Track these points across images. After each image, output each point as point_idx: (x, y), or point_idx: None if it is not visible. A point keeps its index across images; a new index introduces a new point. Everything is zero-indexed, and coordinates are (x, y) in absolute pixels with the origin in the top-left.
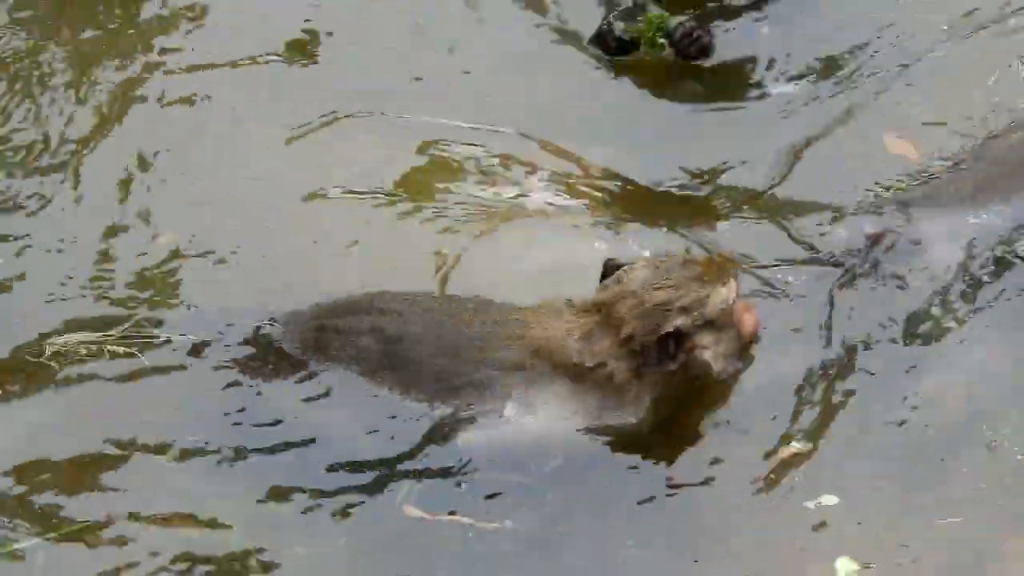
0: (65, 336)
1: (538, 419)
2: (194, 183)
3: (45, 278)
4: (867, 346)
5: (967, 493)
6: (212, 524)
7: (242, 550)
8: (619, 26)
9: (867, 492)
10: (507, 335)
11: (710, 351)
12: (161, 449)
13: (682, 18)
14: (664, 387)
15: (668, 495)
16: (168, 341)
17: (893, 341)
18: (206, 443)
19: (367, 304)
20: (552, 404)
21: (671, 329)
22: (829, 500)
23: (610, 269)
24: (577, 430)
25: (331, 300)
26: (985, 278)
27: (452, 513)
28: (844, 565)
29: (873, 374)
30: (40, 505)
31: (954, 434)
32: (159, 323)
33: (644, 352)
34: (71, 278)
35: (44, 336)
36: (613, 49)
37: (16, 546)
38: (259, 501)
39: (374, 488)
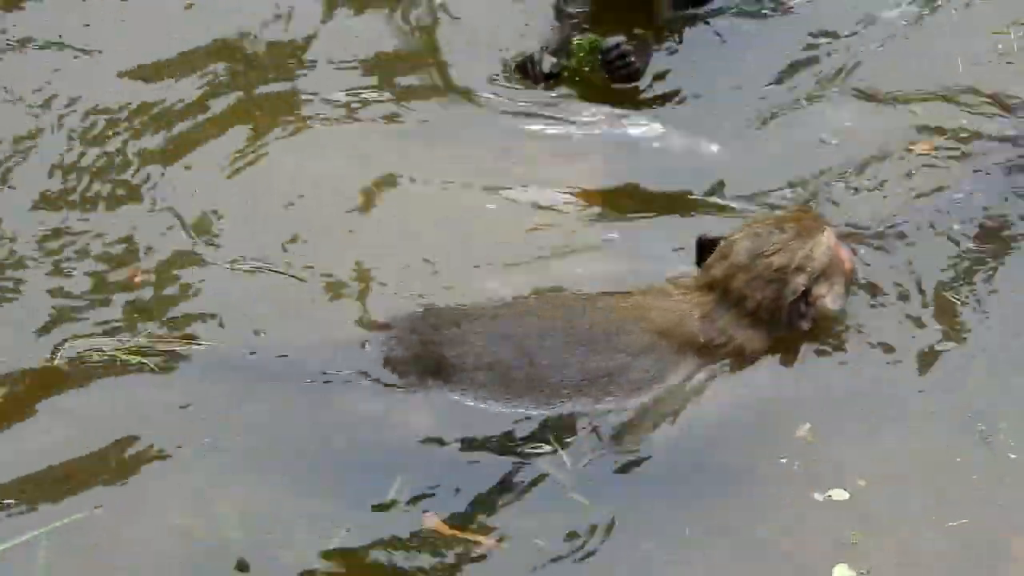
0: (78, 342)
1: (679, 403)
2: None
3: (60, 283)
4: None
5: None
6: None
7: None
8: (549, 60)
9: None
10: (630, 322)
11: (828, 297)
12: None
13: (620, 38)
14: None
15: None
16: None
17: None
18: (216, 446)
19: (474, 313)
20: (692, 381)
21: (798, 291)
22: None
23: (705, 245)
24: (716, 407)
25: (425, 312)
26: None
27: (474, 531)
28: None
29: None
30: (42, 502)
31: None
32: (176, 330)
33: (775, 319)
34: (84, 284)
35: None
36: (540, 79)
37: (18, 540)
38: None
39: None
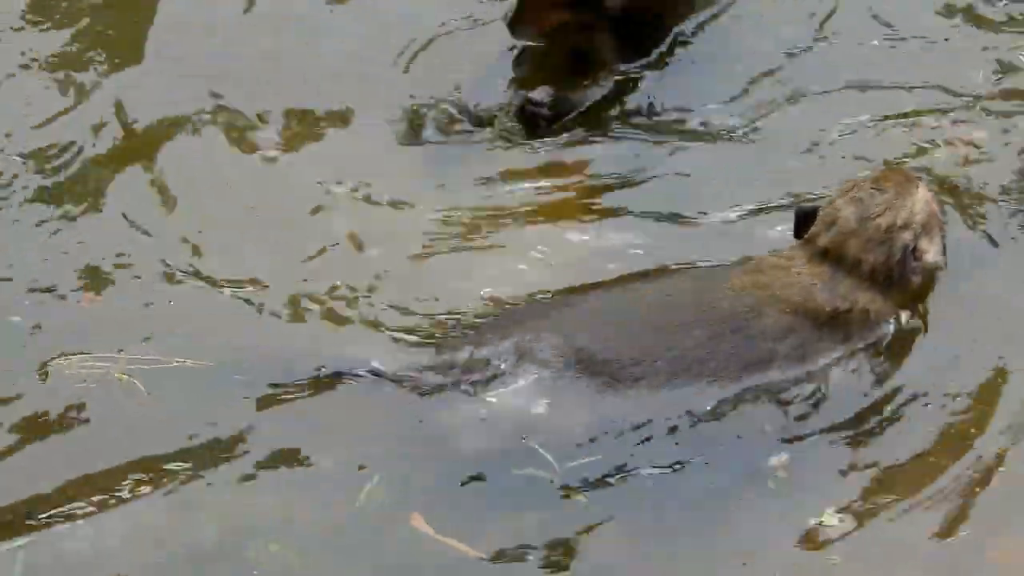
0: (70, 358)
1: (830, 376)
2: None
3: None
4: None
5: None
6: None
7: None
8: (545, 92)
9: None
10: (763, 303)
11: (931, 252)
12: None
13: (542, 92)
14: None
15: None
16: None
17: None
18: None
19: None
20: (831, 357)
21: (906, 248)
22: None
23: (804, 216)
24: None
25: (546, 319)
26: None
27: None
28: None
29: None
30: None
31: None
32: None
33: (889, 278)
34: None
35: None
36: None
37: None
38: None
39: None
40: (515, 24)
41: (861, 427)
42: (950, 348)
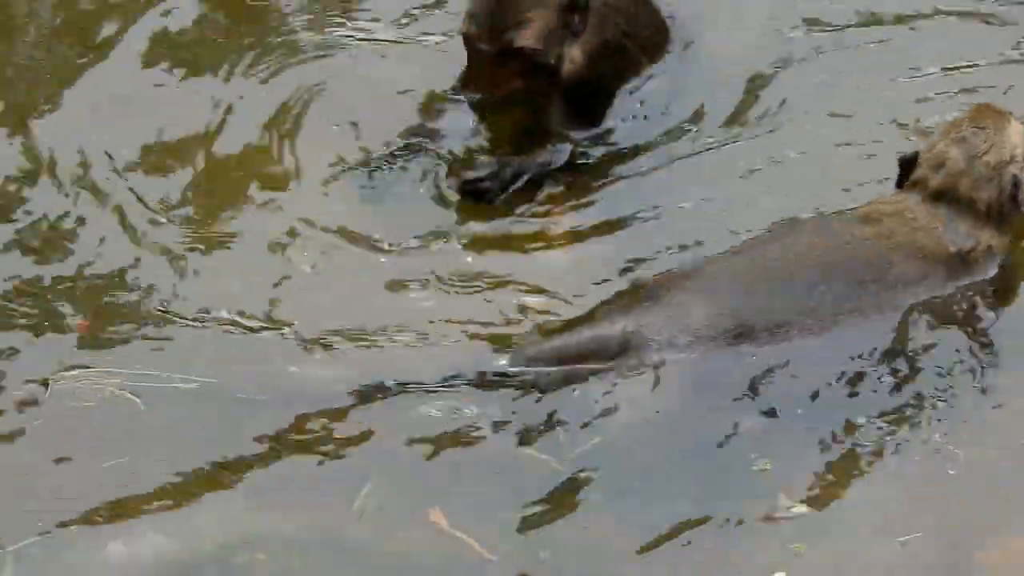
0: (70, 373)
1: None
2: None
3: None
4: None
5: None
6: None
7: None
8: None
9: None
10: (889, 249)
11: None
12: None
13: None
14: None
15: None
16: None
17: None
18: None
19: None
20: (960, 297)
21: (1014, 182)
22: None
23: (907, 163)
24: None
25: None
26: None
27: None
28: None
29: None
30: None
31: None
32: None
33: (1002, 212)
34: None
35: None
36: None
37: None
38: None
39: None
40: (465, 86)
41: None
42: None
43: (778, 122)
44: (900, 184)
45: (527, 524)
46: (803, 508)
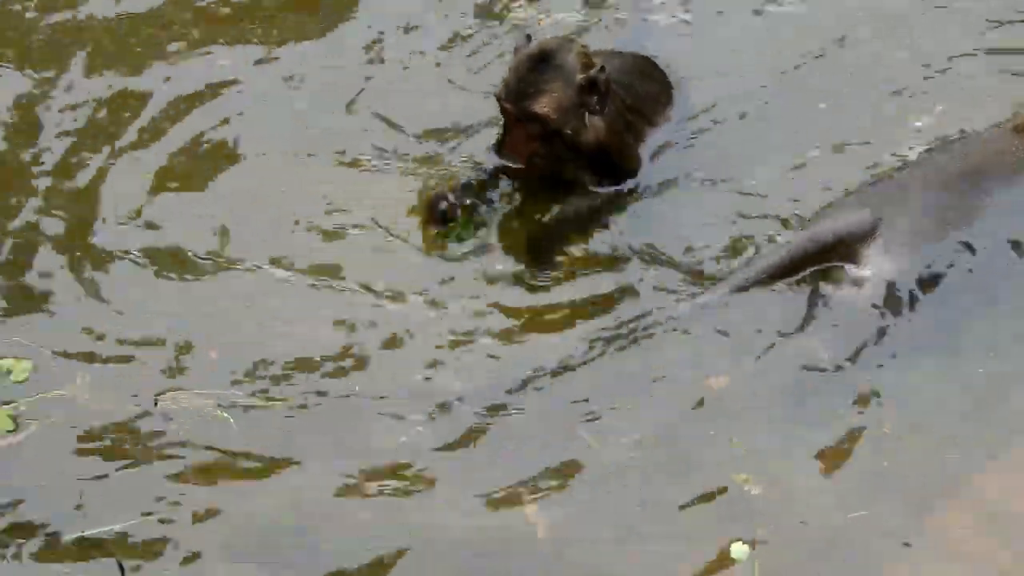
0: (175, 393)
1: None
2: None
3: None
4: None
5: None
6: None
7: None
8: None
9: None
10: None
11: None
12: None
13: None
14: None
15: None
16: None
17: None
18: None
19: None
20: None
21: None
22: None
23: None
24: None
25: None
26: None
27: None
28: (738, 550)
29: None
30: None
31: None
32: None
33: None
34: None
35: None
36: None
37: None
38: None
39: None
40: (499, 148)
41: None
42: None
43: None
44: None
45: None
46: None
